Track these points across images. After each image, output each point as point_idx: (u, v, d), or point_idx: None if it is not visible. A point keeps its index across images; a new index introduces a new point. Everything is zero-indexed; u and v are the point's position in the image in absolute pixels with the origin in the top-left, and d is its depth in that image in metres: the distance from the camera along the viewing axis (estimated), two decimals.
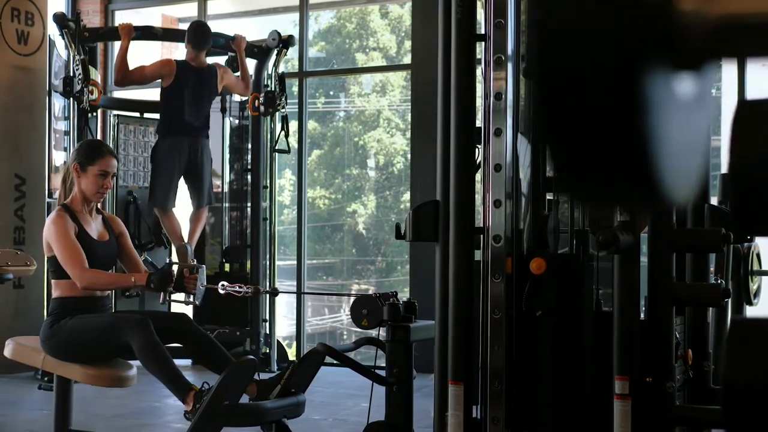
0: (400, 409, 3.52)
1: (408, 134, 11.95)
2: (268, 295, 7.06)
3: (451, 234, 3.21)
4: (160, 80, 6.75)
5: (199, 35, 6.80)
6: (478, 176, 3.26)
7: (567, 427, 3.14)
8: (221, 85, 6.87)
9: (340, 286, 12.02)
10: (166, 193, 6.67)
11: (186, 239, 6.65)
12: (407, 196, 11.69)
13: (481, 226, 3.23)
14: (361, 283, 12.48)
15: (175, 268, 3.93)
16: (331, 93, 12.64)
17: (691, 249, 3.33)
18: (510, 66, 3.16)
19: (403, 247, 11.77)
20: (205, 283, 3.92)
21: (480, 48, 3.26)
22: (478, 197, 3.31)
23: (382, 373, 3.58)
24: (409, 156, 11.60)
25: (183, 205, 7.05)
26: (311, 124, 10.26)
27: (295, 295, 8.63)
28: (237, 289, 4.13)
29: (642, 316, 3.05)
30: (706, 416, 3.08)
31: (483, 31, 3.22)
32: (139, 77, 6.67)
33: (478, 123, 3.27)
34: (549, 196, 3.36)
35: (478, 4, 3.30)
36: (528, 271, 3.12)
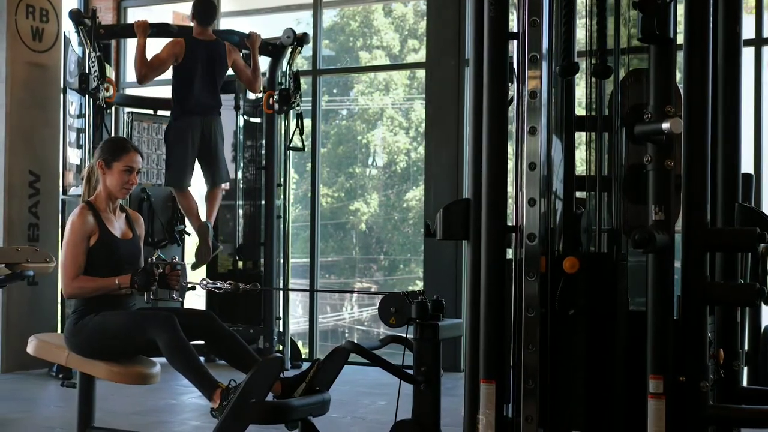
0: (427, 407, 3.52)
1: (411, 132, 11.96)
2: (281, 293, 7.07)
3: (483, 232, 3.19)
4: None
5: (204, 10, 6.80)
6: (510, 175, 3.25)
7: (601, 425, 3.14)
8: (230, 60, 6.84)
9: (344, 285, 11.99)
10: (181, 172, 6.64)
11: (204, 218, 6.64)
12: (410, 194, 11.68)
13: (512, 224, 3.22)
14: (363, 281, 12.47)
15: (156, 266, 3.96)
16: (335, 91, 12.64)
17: (726, 248, 3.31)
18: (544, 64, 3.16)
19: (407, 246, 11.77)
20: (188, 280, 4.01)
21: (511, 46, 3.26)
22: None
23: (407, 371, 3.57)
24: (412, 154, 11.61)
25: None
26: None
27: (301, 293, 8.64)
28: (218, 285, 4.29)
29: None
30: (739, 415, 3.08)
31: (516, 30, 3.22)
32: (159, 65, 6.63)
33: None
34: (581, 195, 3.36)
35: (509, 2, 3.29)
36: (561, 270, 3.11)
